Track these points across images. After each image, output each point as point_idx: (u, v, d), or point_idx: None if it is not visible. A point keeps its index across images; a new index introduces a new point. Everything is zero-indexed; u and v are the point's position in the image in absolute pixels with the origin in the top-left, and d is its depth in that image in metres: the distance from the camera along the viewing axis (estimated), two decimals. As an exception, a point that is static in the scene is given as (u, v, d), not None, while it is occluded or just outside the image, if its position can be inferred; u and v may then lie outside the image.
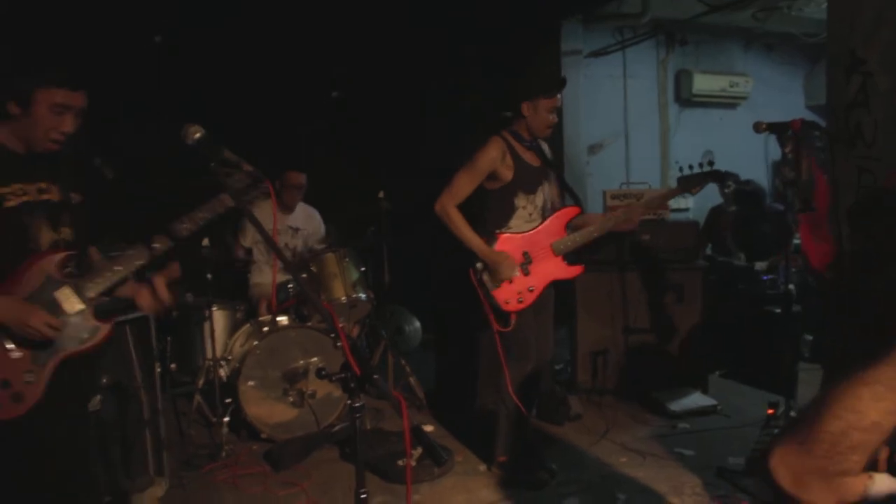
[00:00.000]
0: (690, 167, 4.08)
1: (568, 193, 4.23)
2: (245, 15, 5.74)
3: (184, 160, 2.33)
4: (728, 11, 6.97)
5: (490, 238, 3.85)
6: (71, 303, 2.42)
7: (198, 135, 2.27)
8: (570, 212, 4.08)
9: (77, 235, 2.54)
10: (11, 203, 2.34)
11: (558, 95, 3.94)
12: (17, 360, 2.31)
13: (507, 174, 3.91)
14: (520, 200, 3.94)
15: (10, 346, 2.31)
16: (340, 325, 1.87)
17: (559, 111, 4.02)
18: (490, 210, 3.97)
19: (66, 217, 2.51)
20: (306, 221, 5.75)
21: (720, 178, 4.10)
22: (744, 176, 6.63)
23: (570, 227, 4.02)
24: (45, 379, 2.34)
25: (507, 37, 6.89)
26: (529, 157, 4.00)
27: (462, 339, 5.39)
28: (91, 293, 2.45)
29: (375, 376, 1.82)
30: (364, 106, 6.80)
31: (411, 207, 4.51)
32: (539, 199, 3.99)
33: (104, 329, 2.49)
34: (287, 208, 5.59)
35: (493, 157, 3.87)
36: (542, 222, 3.97)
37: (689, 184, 4.15)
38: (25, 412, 2.29)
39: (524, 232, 3.92)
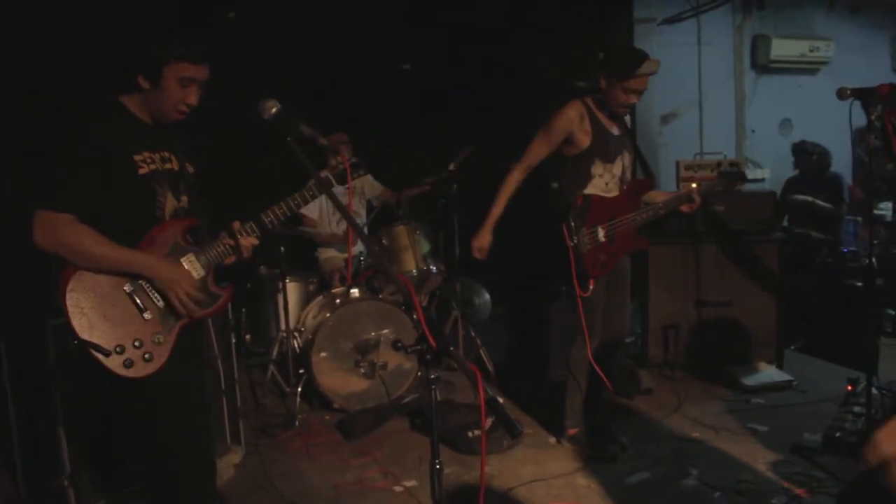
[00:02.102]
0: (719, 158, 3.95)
1: (641, 165, 4.15)
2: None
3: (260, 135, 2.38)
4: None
5: (577, 198, 3.78)
6: (196, 269, 2.56)
7: (274, 109, 2.31)
8: (646, 184, 4.02)
9: (192, 205, 2.65)
10: (144, 170, 2.46)
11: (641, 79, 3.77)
12: (149, 322, 2.42)
13: (585, 140, 3.83)
14: (596, 168, 3.85)
15: (144, 307, 2.42)
16: (417, 298, 1.88)
17: None
18: (567, 177, 3.91)
19: (184, 186, 2.61)
20: (370, 187, 5.87)
21: (743, 177, 4.31)
22: (827, 144, 6.46)
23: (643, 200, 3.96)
24: (172, 341, 2.46)
25: (580, 4, 6.77)
26: (609, 125, 3.91)
27: (533, 311, 5.39)
28: (211, 261, 2.58)
29: (452, 348, 1.83)
30: (434, 76, 6.78)
31: (483, 179, 4.49)
32: (618, 168, 3.91)
33: (225, 294, 2.65)
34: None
35: (571, 118, 3.80)
36: (618, 192, 3.91)
37: (727, 181, 4.17)
38: (154, 372, 2.40)
39: (610, 197, 3.87)
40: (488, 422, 4.01)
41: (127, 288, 2.40)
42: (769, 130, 7.86)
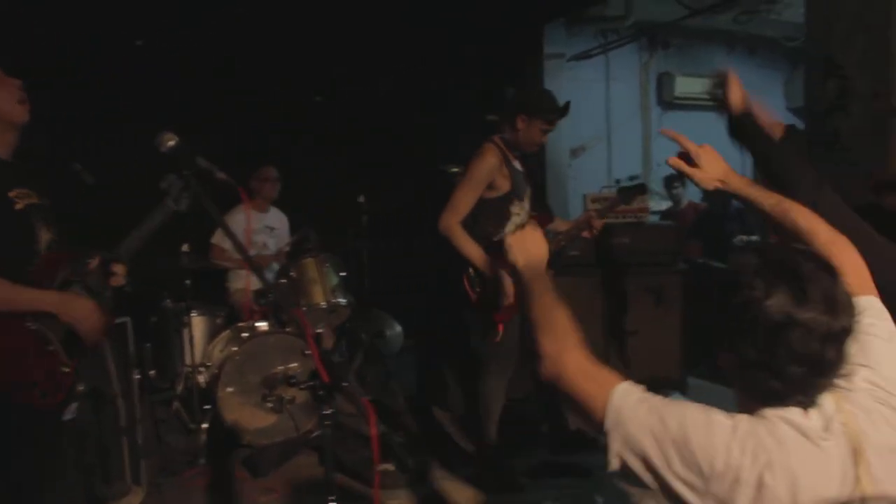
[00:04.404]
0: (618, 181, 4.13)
1: (538, 199, 4.25)
2: (224, 17, 5.70)
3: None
4: (710, 15, 7.00)
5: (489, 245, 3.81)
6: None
7: (171, 142, 2.28)
8: (545, 219, 4.10)
9: (59, 236, 2.63)
10: (20, 206, 2.45)
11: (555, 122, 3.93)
12: (54, 353, 2.43)
13: (505, 184, 3.90)
14: (514, 207, 3.94)
15: (49, 340, 2.43)
16: (315, 331, 1.87)
17: None
18: (486, 217, 3.92)
19: (50, 219, 2.60)
20: (280, 221, 5.80)
21: (643, 189, 4.39)
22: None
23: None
24: (73, 369, 2.49)
25: (490, 39, 6.89)
26: (518, 164, 4.01)
27: (445, 342, 5.41)
28: (93, 290, 2.60)
29: (345, 384, 1.82)
30: (345, 110, 6.79)
31: (391, 212, 4.51)
32: (527, 204, 4.01)
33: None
34: (264, 206, 5.61)
35: (492, 166, 3.85)
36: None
37: (627, 196, 4.32)
38: (61, 401, 2.46)
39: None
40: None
41: (32, 325, 2.40)
42: (675, 164, 8.12)
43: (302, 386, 1.85)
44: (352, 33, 6.05)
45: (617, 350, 5.31)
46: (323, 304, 4.91)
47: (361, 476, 4.04)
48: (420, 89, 6.91)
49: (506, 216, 3.92)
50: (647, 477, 1.39)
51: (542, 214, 4.15)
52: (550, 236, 3.99)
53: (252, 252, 5.58)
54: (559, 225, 4.14)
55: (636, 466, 1.40)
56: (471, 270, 3.80)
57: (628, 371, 5.27)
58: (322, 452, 2.00)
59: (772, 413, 1.39)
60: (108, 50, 5.50)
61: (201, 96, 5.77)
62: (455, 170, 4.98)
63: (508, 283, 3.67)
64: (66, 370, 2.45)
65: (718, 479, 1.34)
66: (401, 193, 5.73)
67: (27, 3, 4.81)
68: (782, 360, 1.35)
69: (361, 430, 4.76)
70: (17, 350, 2.36)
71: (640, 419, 1.42)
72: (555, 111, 3.91)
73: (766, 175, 2.26)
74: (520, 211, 3.94)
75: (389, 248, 4.38)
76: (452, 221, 3.83)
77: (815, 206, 1.87)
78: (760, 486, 1.32)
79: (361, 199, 5.21)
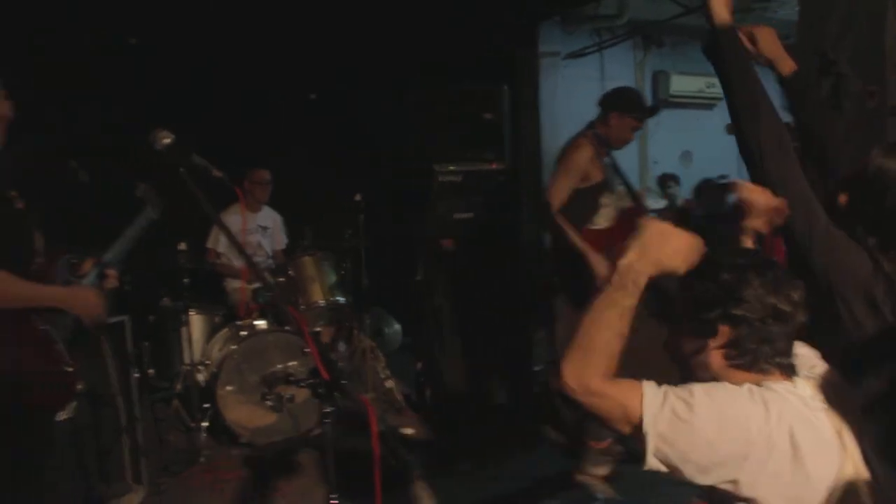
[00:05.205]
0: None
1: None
2: (219, 14, 5.70)
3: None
4: (703, 13, 7.00)
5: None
6: None
7: (166, 140, 2.28)
8: (640, 211, 4.29)
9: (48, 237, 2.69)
10: (20, 206, 2.52)
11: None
12: (60, 353, 2.50)
13: (597, 175, 4.07)
14: (605, 198, 4.09)
15: (55, 339, 2.50)
16: (314, 330, 1.88)
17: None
18: (577, 208, 4.04)
19: (37, 221, 2.64)
20: (272, 220, 5.84)
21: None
22: (726, 175, 6.72)
23: None
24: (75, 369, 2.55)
25: (484, 38, 6.88)
26: (608, 159, 4.20)
27: (441, 339, 5.43)
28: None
29: (344, 381, 1.83)
30: (340, 107, 6.78)
31: (388, 209, 4.52)
32: (617, 195, 4.20)
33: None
34: (256, 207, 5.63)
35: (587, 157, 4.02)
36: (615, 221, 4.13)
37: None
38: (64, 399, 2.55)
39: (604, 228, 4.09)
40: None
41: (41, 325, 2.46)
42: (670, 161, 8.15)
43: (302, 384, 1.86)
44: (345, 29, 6.04)
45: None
46: (321, 302, 4.93)
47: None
48: (415, 87, 6.90)
49: (597, 206, 4.07)
50: (687, 468, 1.48)
51: (635, 207, 4.27)
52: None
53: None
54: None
55: (676, 460, 1.48)
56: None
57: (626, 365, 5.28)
58: (323, 450, 2.01)
59: (776, 386, 1.54)
60: (101, 48, 5.49)
61: (194, 94, 5.76)
62: (451, 168, 5.00)
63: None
64: (70, 369, 2.51)
65: (755, 449, 1.45)
66: (397, 191, 5.73)
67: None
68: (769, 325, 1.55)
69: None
70: (27, 349, 2.41)
71: (671, 414, 1.48)
72: (646, 110, 4.22)
73: (730, 100, 2.22)
74: (609, 202, 4.10)
75: (388, 245, 4.40)
76: (553, 213, 3.98)
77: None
78: (794, 447, 1.46)
79: (358, 197, 5.22)
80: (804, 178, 2.06)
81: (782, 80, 2.48)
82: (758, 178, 2.07)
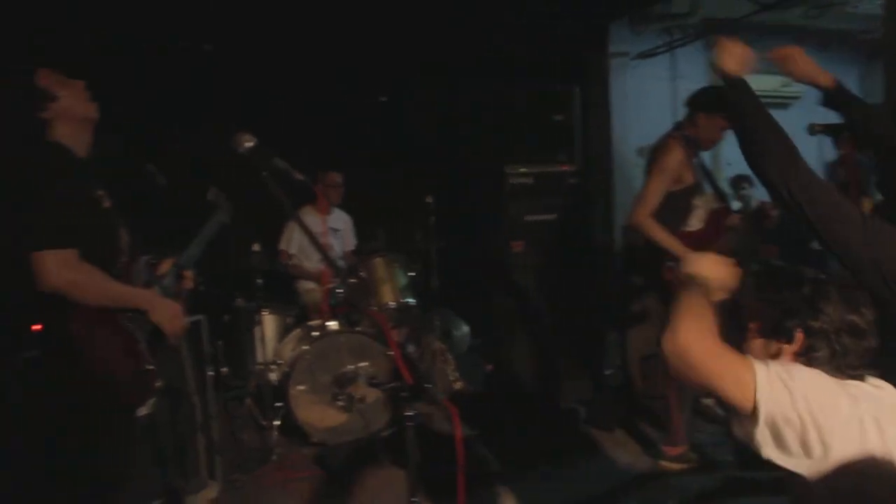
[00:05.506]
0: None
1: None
2: (291, 18, 5.78)
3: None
4: (779, 10, 6.83)
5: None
6: None
7: (249, 143, 2.31)
8: (727, 211, 4.22)
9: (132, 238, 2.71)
10: (107, 205, 2.53)
11: None
12: (142, 351, 2.54)
13: (689, 177, 4.04)
14: (697, 200, 4.07)
15: (138, 339, 2.54)
16: (391, 333, 1.87)
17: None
18: (670, 210, 4.01)
19: (123, 220, 2.67)
20: (343, 222, 5.89)
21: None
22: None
23: None
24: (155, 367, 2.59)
25: (554, 39, 6.84)
26: (697, 160, 4.16)
27: (510, 341, 5.40)
28: (168, 293, 2.73)
29: (428, 385, 1.82)
30: (411, 110, 6.81)
31: (459, 211, 4.51)
32: (708, 196, 4.16)
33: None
34: (328, 209, 5.69)
35: (681, 159, 3.99)
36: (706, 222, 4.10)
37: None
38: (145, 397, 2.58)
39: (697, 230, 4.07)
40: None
41: (127, 324, 2.50)
42: (744, 163, 7.95)
43: (384, 388, 1.86)
44: (416, 32, 6.06)
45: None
46: (392, 303, 4.95)
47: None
48: (486, 89, 6.89)
49: (689, 208, 4.05)
50: (792, 438, 1.58)
51: (723, 207, 4.22)
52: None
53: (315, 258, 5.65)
54: (733, 219, 4.19)
55: (785, 432, 1.58)
56: (671, 263, 3.85)
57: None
58: (405, 453, 2.01)
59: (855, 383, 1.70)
60: (179, 55, 5.62)
61: (268, 99, 5.85)
62: (522, 170, 4.97)
63: None
64: (151, 367, 2.54)
65: (845, 423, 1.58)
66: (468, 193, 5.72)
67: (97, 9, 4.93)
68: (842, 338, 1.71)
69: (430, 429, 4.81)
70: (116, 349, 2.45)
71: (780, 389, 1.59)
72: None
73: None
74: (701, 204, 4.07)
75: (458, 248, 4.40)
76: (643, 215, 3.96)
77: None
78: (879, 427, 1.58)
79: (429, 199, 5.23)
80: (833, 189, 2.18)
81: (827, 93, 2.57)
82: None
